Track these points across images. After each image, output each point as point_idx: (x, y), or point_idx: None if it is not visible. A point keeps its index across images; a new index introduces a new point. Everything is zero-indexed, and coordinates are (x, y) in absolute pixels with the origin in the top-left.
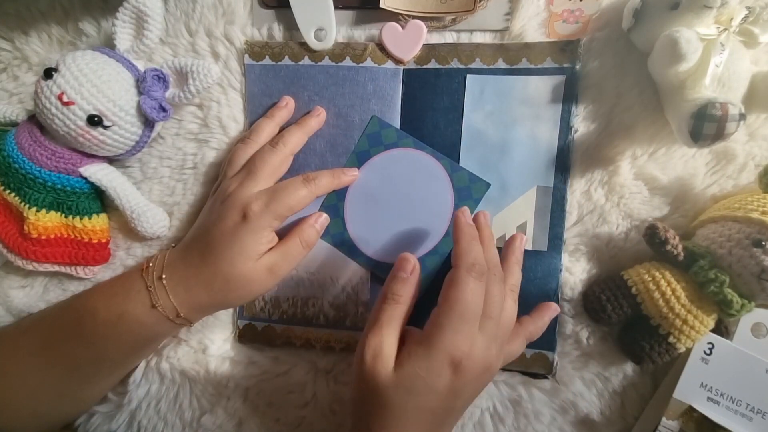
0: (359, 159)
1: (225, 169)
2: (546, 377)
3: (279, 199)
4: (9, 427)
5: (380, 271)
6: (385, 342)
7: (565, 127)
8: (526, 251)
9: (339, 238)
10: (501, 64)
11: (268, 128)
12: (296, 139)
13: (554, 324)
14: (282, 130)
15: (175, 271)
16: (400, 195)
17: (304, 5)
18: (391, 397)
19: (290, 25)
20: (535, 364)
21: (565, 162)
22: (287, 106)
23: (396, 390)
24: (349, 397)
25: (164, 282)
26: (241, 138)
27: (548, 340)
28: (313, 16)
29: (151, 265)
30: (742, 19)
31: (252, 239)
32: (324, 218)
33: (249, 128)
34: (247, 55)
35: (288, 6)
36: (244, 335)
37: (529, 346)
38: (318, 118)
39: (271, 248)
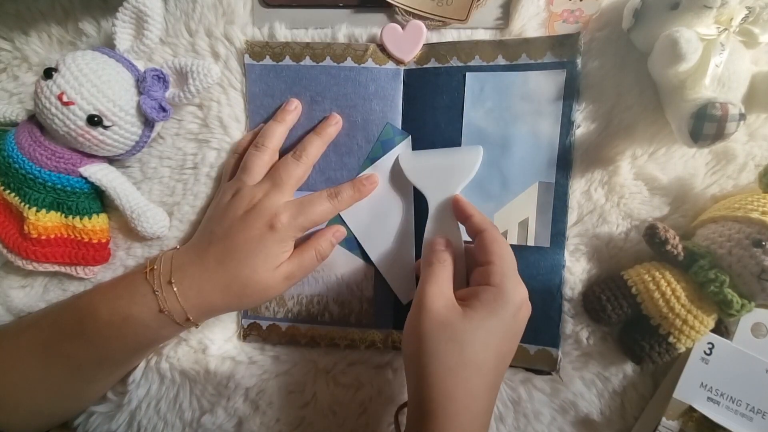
0: (374, 165)
1: (240, 175)
2: (550, 373)
3: (305, 213)
4: (8, 424)
5: (384, 268)
6: (444, 287)
7: (567, 122)
8: (529, 247)
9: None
10: (500, 60)
11: (278, 132)
12: (317, 150)
13: (558, 320)
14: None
15: (186, 274)
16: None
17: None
18: (462, 332)
19: (291, 24)
20: (538, 360)
21: (566, 157)
22: (296, 109)
23: (469, 324)
24: (404, 352)
25: (174, 286)
26: (253, 143)
27: (552, 336)
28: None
29: (155, 267)
30: (742, 19)
31: (277, 248)
32: (341, 232)
33: (252, 129)
34: (247, 55)
35: (290, 6)
36: (249, 334)
37: (533, 342)
38: (336, 126)
39: (289, 257)
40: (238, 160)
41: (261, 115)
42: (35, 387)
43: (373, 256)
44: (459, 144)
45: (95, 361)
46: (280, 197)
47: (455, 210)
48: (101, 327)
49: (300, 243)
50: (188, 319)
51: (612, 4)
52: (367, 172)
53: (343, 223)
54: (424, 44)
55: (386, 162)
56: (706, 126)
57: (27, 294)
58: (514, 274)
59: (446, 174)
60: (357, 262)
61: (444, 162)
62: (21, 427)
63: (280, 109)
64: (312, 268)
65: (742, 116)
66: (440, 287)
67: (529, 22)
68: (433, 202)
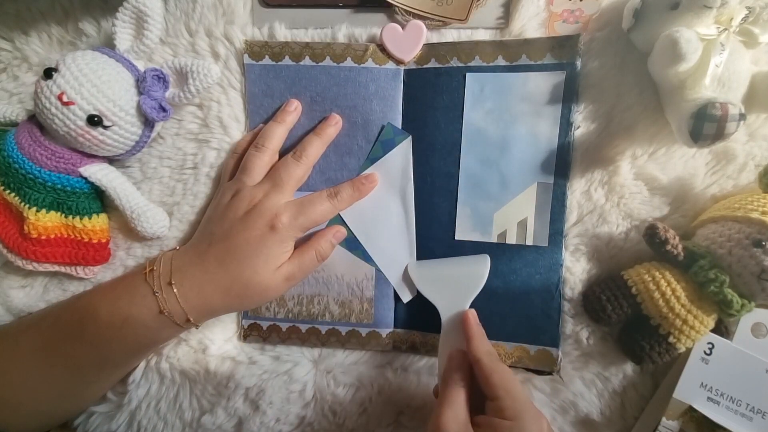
0: (374, 165)
1: (240, 176)
2: (550, 374)
3: (305, 213)
4: (9, 425)
5: (385, 267)
6: (459, 411)
7: (565, 123)
8: (527, 247)
9: None
10: (500, 61)
11: (278, 133)
12: (317, 150)
13: (558, 320)
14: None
15: (186, 276)
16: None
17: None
18: None
19: (291, 24)
20: (538, 360)
21: (565, 158)
22: (296, 110)
23: None
24: None
25: (174, 288)
26: (253, 144)
27: (552, 336)
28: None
29: (155, 268)
30: (742, 19)
31: (278, 249)
32: (341, 233)
33: (252, 129)
34: (246, 55)
35: (289, 6)
36: (249, 334)
37: (533, 342)
38: (336, 127)
39: (289, 258)
40: (238, 160)
41: (260, 116)
42: (36, 387)
43: (375, 256)
44: (459, 144)
45: (95, 362)
46: (280, 197)
47: (463, 327)
48: (101, 328)
49: (300, 243)
50: (188, 320)
51: (612, 4)
52: (367, 171)
53: (343, 223)
54: (424, 44)
55: (386, 162)
56: (706, 126)
57: (27, 294)
58: (528, 405)
59: (455, 287)
60: (357, 262)
61: (453, 274)
62: (22, 428)
63: (280, 110)
64: (312, 269)
65: (742, 116)
66: (455, 412)
67: (529, 22)
68: (445, 316)
